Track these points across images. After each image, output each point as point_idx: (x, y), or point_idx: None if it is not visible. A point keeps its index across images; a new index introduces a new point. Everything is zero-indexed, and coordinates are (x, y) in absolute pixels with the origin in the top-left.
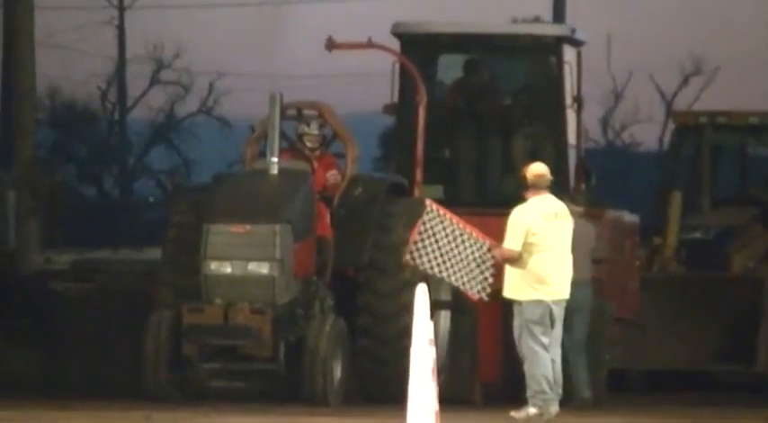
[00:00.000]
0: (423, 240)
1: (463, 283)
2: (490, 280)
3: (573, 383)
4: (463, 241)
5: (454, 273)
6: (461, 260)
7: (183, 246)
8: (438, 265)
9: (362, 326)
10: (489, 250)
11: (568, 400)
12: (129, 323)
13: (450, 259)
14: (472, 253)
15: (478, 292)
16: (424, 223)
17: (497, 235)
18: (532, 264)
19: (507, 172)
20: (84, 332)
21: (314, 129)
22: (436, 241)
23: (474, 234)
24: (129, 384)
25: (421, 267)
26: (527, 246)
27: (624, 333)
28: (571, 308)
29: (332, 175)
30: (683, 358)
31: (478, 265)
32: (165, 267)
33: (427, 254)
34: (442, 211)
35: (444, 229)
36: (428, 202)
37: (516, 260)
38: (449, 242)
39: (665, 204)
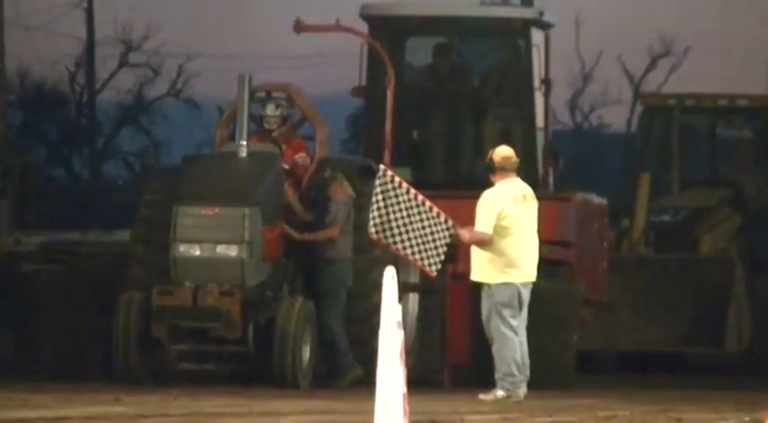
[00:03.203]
0: (378, 209)
1: (421, 259)
2: (442, 257)
3: None
4: (419, 213)
5: (410, 246)
6: (414, 230)
7: (154, 224)
8: (393, 236)
9: None
10: (450, 229)
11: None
12: (98, 305)
13: (405, 232)
14: (430, 226)
15: (429, 265)
16: (376, 188)
17: (467, 218)
18: (503, 247)
19: (476, 154)
20: (54, 314)
21: (270, 110)
22: (386, 207)
23: (434, 208)
24: (100, 365)
25: (384, 241)
26: (498, 229)
27: (593, 315)
28: None
29: (300, 158)
30: (653, 339)
31: (434, 240)
32: (136, 245)
33: (383, 223)
34: (397, 178)
35: (397, 196)
36: (382, 167)
37: (487, 243)
38: (401, 210)
39: (634, 186)
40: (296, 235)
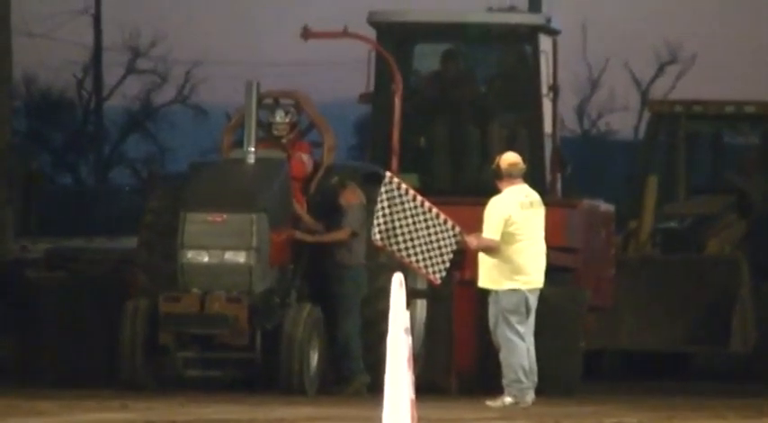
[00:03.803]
0: (384, 216)
1: (425, 267)
2: (447, 264)
3: None
4: (425, 220)
5: (415, 254)
6: (419, 238)
7: (160, 230)
8: (398, 243)
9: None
10: (457, 236)
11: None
12: (104, 311)
13: (409, 240)
14: (435, 234)
15: (434, 273)
16: (381, 195)
17: (473, 225)
18: (510, 253)
19: (483, 161)
20: (58, 320)
21: (278, 117)
22: (391, 214)
23: (441, 215)
24: (105, 372)
25: (388, 249)
26: (505, 235)
27: (599, 320)
28: None
29: (299, 155)
30: (657, 340)
31: (439, 247)
32: (141, 251)
33: (387, 230)
34: (403, 186)
35: (403, 203)
36: (388, 174)
37: (495, 250)
38: (406, 217)
39: (640, 190)
40: (308, 237)
